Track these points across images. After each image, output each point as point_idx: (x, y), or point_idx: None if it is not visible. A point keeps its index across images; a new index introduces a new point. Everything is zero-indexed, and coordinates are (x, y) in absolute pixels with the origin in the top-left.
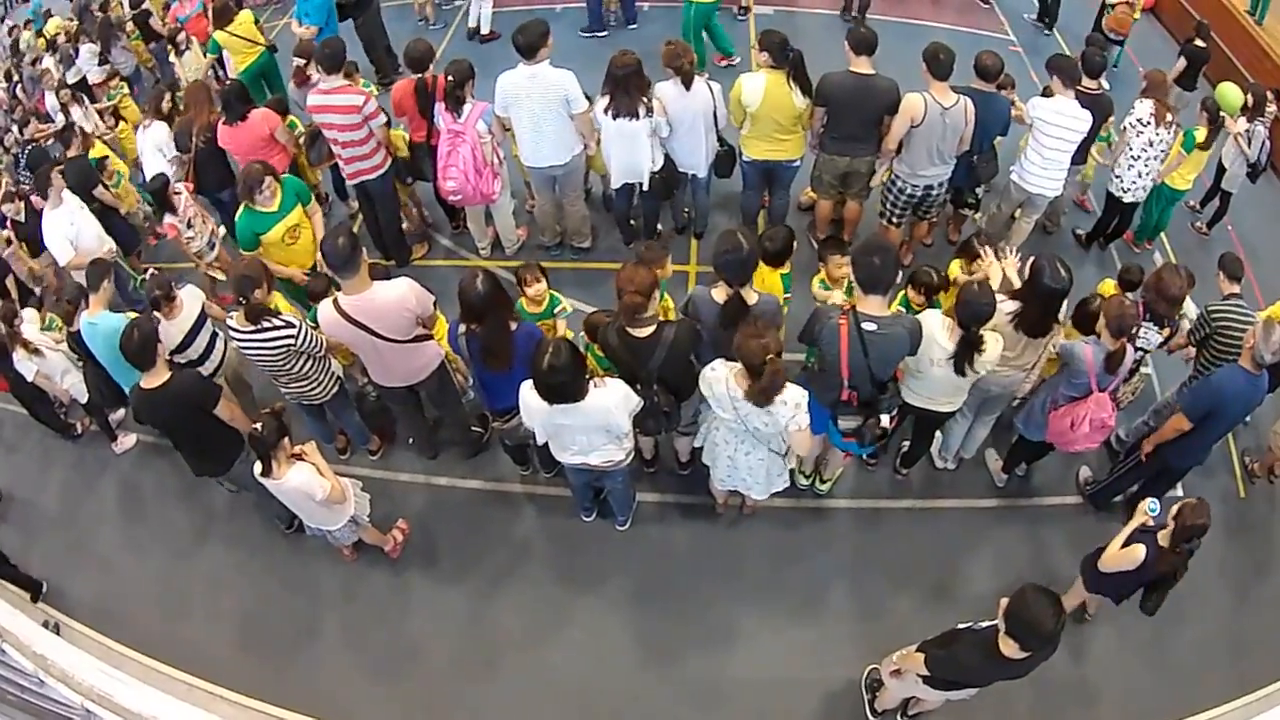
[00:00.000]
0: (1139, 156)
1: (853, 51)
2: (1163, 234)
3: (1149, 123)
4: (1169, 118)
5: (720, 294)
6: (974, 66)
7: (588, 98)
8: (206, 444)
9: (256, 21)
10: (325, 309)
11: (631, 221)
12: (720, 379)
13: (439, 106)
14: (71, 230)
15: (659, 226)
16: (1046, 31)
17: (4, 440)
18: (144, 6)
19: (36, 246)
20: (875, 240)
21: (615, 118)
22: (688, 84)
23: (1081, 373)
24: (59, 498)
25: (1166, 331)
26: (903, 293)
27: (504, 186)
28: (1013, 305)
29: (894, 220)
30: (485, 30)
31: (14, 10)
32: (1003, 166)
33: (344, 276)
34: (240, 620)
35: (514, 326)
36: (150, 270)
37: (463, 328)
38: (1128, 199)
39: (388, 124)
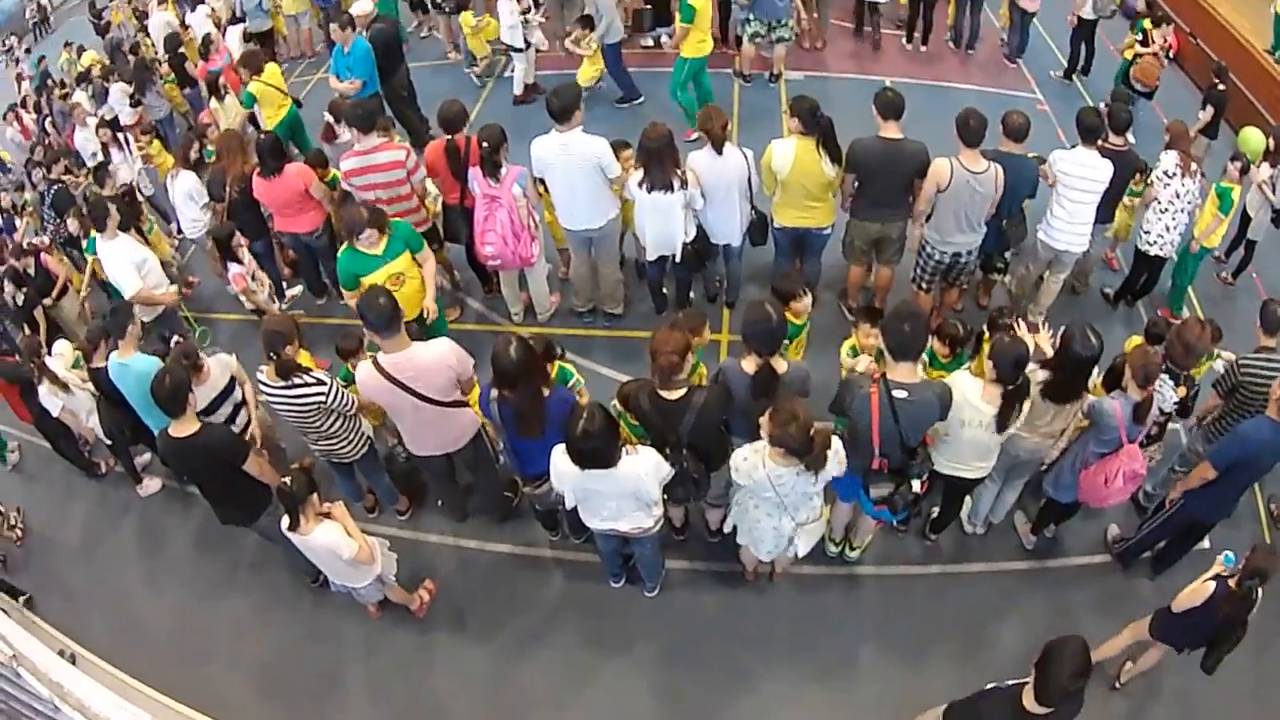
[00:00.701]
0: (1166, 209)
1: (880, 116)
2: (1189, 287)
3: (1175, 174)
4: (1194, 167)
5: (750, 364)
6: (1001, 127)
7: (624, 144)
8: (234, 495)
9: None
10: (365, 370)
11: (664, 290)
12: (756, 464)
13: (474, 171)
14: (138, 255)
15: (691, 295)
16: (1083, 76)
17: (26, 470)
18: (180, 50)
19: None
20: (905, 307)
21: (650, 191)
22: (719, 148)
23: (1110, 428)
24: (80, 533)
25: (1182, 390)
26: (929, 346)
27: (540, 251)
28: (1043, 374)
29: (924, 286)
30: (518, 91)
31: (41, 41)
32: (1030, 229)
33: (384, 336)
34: (261, 667)
35: (547, 393)
36: (175, 338)
37: (494, 393)
38: (1154, 252)
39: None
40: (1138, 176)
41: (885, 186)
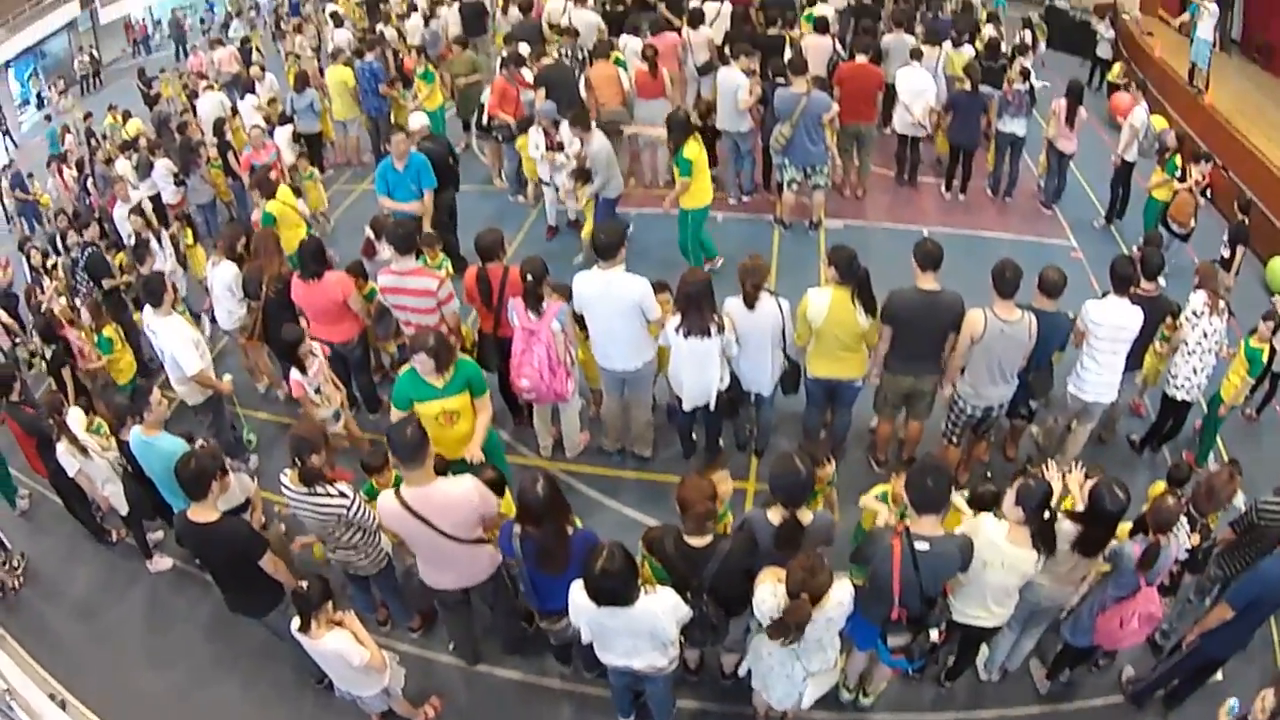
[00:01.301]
0: (1194, 351)
1: (919, 268)
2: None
3: (1203, 313)
4: (1220, 305)
5: (775, 515)
6: (1038, 282)
7: (663, 286)
8: (246, 587)
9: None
10: (387, 500)
11: (693, 435)
12: (775, 607)
13: (515, 302)
14: (194, 333)
15: (720, 442)
16: (1117, 219)
17: (37, 521)
18: (227, 138)
19: None
20: (929, 462)
21: (687, 336)
22: (750, 304)
23: (1130, 571)
24: (84, 591)
25: (1196, 539)
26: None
27: (575, 387)
28: (1073, 529)
29: (954, 440)
30: (551, 221)
31: (89, 95)
32: (1058, 379)
33: (409, 468)
34: None
35: (571, 531)
36: (200, 443)
37: (517, 528)
38: (1181, 396)
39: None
40: (1169, 320)
41: (920, 339)
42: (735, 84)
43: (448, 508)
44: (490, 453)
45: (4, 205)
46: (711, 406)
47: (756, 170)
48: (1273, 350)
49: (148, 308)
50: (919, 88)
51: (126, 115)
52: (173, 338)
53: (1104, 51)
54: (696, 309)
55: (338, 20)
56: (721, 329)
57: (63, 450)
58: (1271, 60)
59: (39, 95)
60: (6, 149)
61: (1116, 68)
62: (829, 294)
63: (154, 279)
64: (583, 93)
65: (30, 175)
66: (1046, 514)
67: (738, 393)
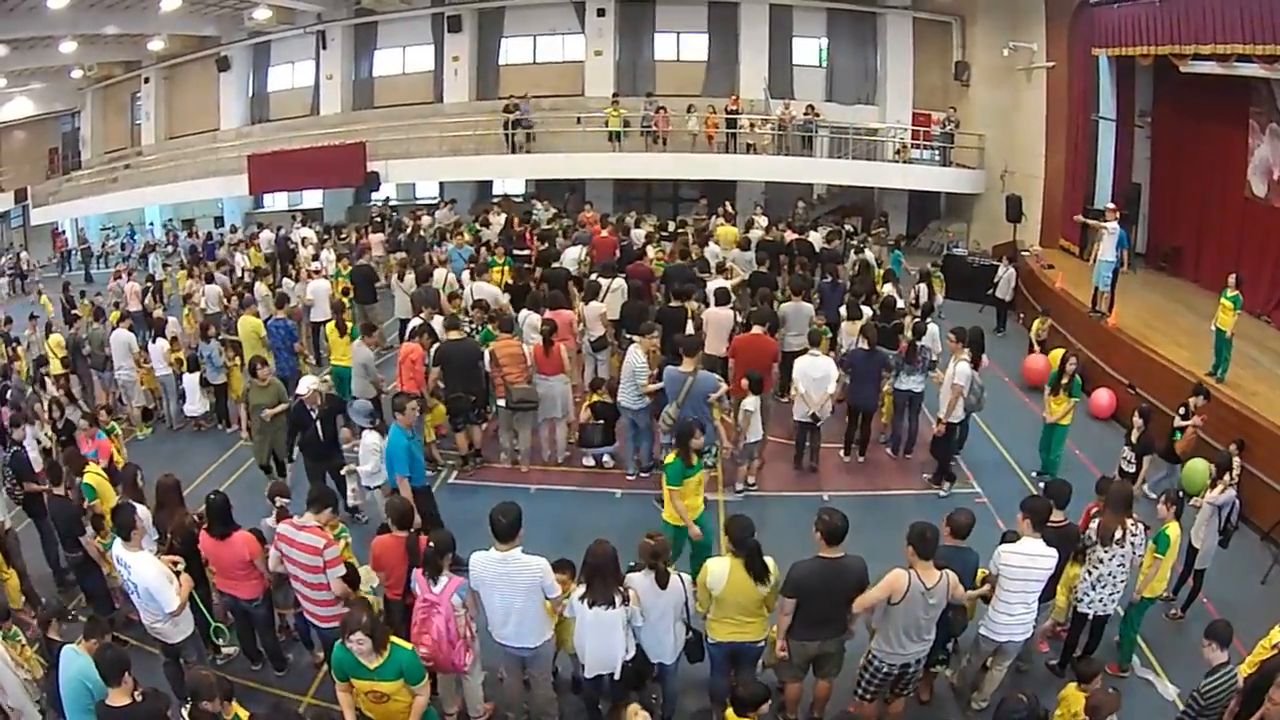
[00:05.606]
0: (1093, 570)
1: (824, 540)
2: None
3: (1096, 541)
4: (1117, 534)
5: None
6: (946, 526)
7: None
8: None
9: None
10: None
11: (599, 706)
12: None
13: (416, 572)
14: (168, 570)
15: None
16: (943, 493)
17: None
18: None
19: None
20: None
21: (591, 606)
22: (663, 583)
23: None
24: None
25: None
26: None
27: (475, 660)
28: None
29: (868, 696)
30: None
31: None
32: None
33: None
34: None
35: None
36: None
37: None
38: (1082, 609)
39: (345, 579)
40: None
41: (825, 607)
42: (634, 366)
43: None
44: None
45: None
46: (616, 676)
47: (655, 446)
48: (1192, 548)
49: (117, 541)
50: (816, 376)
51: (49, 328)
52: (147, 573)
53: (1004, 293)
54: (601, 580)
55: (210, 277)
56: (626, 600)
57: None
58: (1179, 265)
59: None
60: None
61: (1037, 323)
62: (728, 563)
63: (124, 510)
64: (488, 369)
65: None
66: None
67: (643, 663)
